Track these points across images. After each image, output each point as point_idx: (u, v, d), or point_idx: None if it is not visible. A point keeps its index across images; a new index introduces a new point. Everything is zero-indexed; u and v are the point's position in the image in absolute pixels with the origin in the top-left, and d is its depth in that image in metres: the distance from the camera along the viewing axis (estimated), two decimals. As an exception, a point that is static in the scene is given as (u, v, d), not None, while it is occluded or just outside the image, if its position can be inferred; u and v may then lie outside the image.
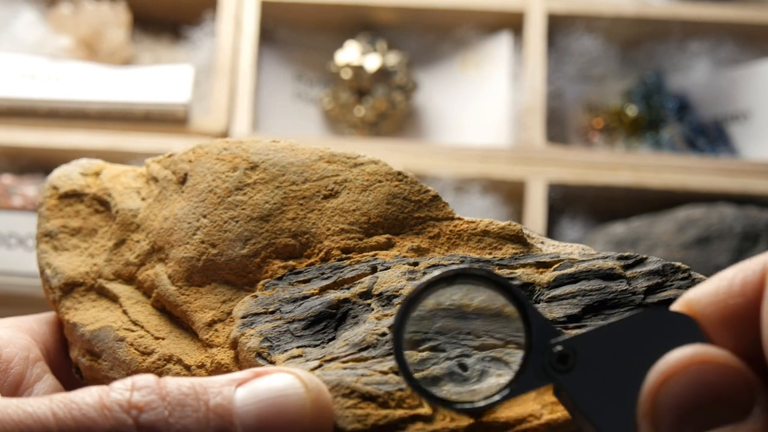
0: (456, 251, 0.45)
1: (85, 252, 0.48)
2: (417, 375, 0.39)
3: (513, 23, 1.08)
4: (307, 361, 0.41)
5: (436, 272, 0.37)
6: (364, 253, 0.45)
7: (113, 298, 0.47)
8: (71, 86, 0.94)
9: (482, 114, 1.05)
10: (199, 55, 1.02)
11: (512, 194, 1.01)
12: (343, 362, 0.40)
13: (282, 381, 0.37)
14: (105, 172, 0.50)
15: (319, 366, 0.40)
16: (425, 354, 0.40)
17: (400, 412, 0.38)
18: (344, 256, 0.45)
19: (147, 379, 0.36)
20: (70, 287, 0.47)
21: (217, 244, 0.45)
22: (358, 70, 1.05)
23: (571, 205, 1.02)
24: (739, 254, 0.94)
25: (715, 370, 0.31)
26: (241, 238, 0.45)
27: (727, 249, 0.95)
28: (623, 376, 0.34)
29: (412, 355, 0.40)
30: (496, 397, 0.36)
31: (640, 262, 0.43)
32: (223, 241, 0.45)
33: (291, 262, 0.45)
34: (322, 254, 0.45)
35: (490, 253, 0.44)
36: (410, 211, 0.46)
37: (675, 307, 0.34)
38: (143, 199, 0.49)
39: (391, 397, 0.38)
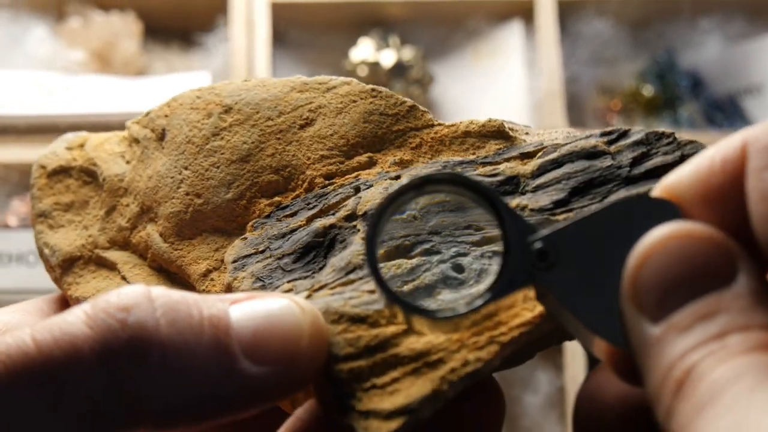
0: (440, 158, 0.44)
1: (80, 225, 0.48)
2: (407, 287, 0.38)
3: (523, 11, 1.08)
4: (297, 293, 0.40)
5: (404, 180, 0.36)
6: (347, 176, 0.44)
7: (111, 266, 0.47)
8: (90, 100, 0.93)
9: (500, 103, 1.05)
10: (213, 61, 1.01)
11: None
12: (331, 289, 0.40)
13: (278, 303, 0.36)
14: (89, 143, 0.50)
15: (308, 297, 0.39)
16: (416, 261, 0.39)
17: (391, 329, 0.37)
18: (327, 182, 0.44)
19: (134, 286, 0.34)
20: (69, 263, 0.47)
21: (201, 194, 0.45)
22: (374, 66, 1.05)
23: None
24: None
25: (694, 243, 0.30)
26: (225, 183, 0.45)
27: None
28: (606, 266, 0.33)
29: (401, 265, 0.39)
30: (478, 302, 0.34)
31: (624, 135, 0.42)
32: (208, 190, 0.45)
33: (277, 198, 0.44)
34: (305, 185, 0.44)
35: (473, 153, 0.44)
36: (389, 126, 0.45)
37: (655, 192, 0.34)
38: (128, 162, 0.48)
39: (381, 315, 0.37)
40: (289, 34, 1.07)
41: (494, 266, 0.38)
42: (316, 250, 0.42)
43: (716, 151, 0.32)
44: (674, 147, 0.41)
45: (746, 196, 0.30)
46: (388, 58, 1.05)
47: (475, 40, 1.10)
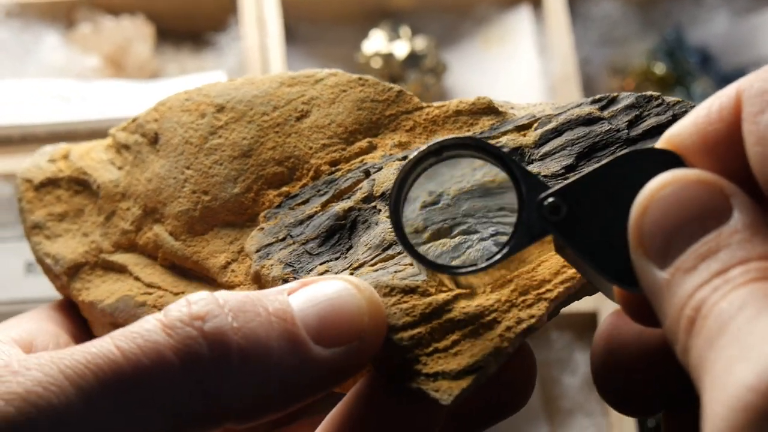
0: (436, 137, 0.45)
1: (78, 233, 0.49)
2: (455, 262, 0.40)
3: (531, -4, 1.08)
4: (336, 273, 0.42)
5: (422, 147, 0.38)
6: (352, 161, 0.45)
7: (120, 269, 0.47)
8: (107, 105, 0.93)
9: (515, 88, 1.05)
10: (227, 60, 1.01)
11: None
12: (372, 265, 0.41)
13: (334, 285, 0.38)
14: (73, 153, 0.51)
15: (351, 275, 0.41)
16: (458, 239, 0.41)
17: (442, 296, 0.39)
18: (333, 169, 0.45)
19: (200, 294, 0.36)
20: (74, 270, 0.48)
21: (208, 191, 0.46)
22: (388, 57, 1.05)
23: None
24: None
25: (688, 186, 0.32)
26: (230, 178, 0.46)
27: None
28: (615, 216, 0.35)
29: (446, 243, 0.41)
30: (497, 257, 0.36)
31: (613, 101, 0.44)
32: (214, 186, 0.46)
33: (284, 189, 0.45)
34: (311, 173, 0.45)
35: (468, 130, 0.45)
36: (381, 111, 0.46)
37: (658, 144, 0.35)
38: (120, 168, 0.49)
39: (429, 285, 0.39)
40: (299, 29, 1.07)
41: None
42: (340, 232, 0.43)
43: (713, 100, 0.34)
44: (665, 108, 0.43)
45: (743, 140, 0.32)
46: (401, 49, 1.05)
47: (484, 27, 1.10)
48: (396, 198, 0.38)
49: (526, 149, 0.43)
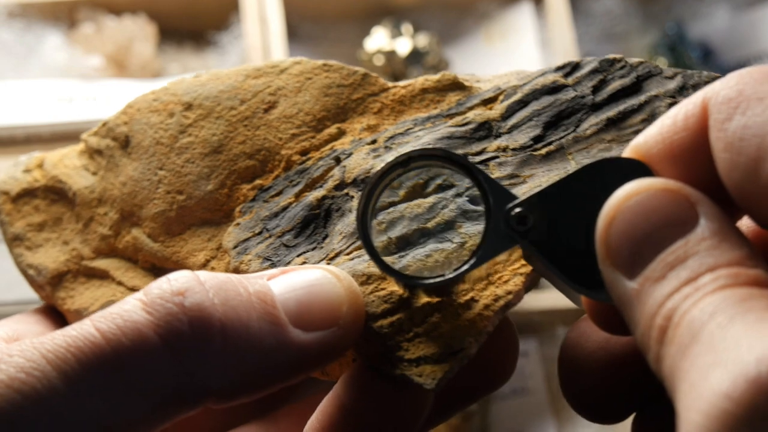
0: (404, 117, 0.45)
1: (58, 241, 0.49)
2: (429, 224, 0.40)
3: (532, -8, 1.08)
4: (313, 263, 0.42)
5: (389, 158, 0.38)
6: (322, 149, 0.45)
7: (102, 275, 0.48)
8: (110, 105, 0.93)
9: (517, 84, 1.05)
10: (229, 59, 1.01)
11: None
12: (348, 254, 0.41)
13: (313, 273, 0.38)
14: (47, 161, 0.51)
15: (328, 265, 0.41)
16: (432, 199, 0.41)
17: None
18: (304, 158, 0.45)
19: (181, 272, 0.36)
20: (57, 279, 0.48)
21: (182, 190, 0.46)
22: (391, 55, 1.05)
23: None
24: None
25: (654, 196, 0.32)
26: (203, 176, 0.46)
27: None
28: (582, 227, 0.35)
29: (420, 204, 0.41)
30: (464, 267, 0.36)
31: (577, 67, 0.44)
32: (187, 185, 0.46)
33: (258, 182, 0.46)
34: (283, 164, 0.46)
35: (435, 108, 0.45)
36: (348, 96, 0.46)
37: (625, 153, 0.35)
38: (94, 173, 0.49)
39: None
40: (301, 28, 1.07)
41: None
42: (315, 222, 0.43)
43: (678, 109, 0.34)
44: (628, 70, 0.43)
45: (711, 147, 0.32)
46: (404, 46, 1.05)
47: (486, 23, 1.10)
48: (363, 210, 0.38)
49: (494, 123, 0.43)
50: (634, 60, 0.43)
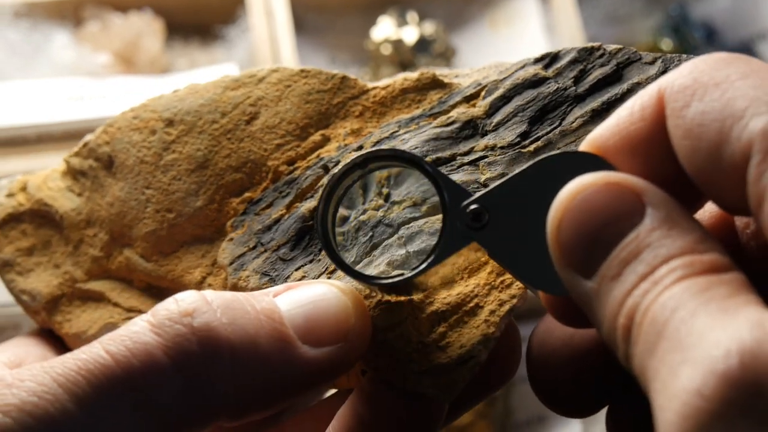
0: (387, 119, 0.45)
1: (49, 265, 0.48)
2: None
3: (535, -23, 1.08)
4: (313, 277, 0.42)
5: (343, 162, 0.38)
6: (308, 158, 0.45)
7: (98, 297, 0.47)
8: (120, 102, 0.93)
9: (525, 69, 1.05)
10: (237, 52, 1.00)
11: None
12: None
13: (318, 288, 0.38)
14: (30, 184, 0.50)
15: (328, 278, 0.41)
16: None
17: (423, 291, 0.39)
18: (291, 168, 0.45)
19: (187, 292, 0.36)
20: (52, 303, 0.47)
21: (172, 208, 0.46)
22: (398, 43, 1.04)
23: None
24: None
25: (598, 191, 0.31)
26: (191, 192, 0.45)
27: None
28: (537, 223, 0.34)
29: (390, 171, 0.41)
30: (422, 266, 0.36)
31: (556, 57, 0.43)
32: (176, 203, 0.45)
33: (246, 195, 0.45)
34: (271, 175, 0.45)
35: (417, 107, 0.45)
36: (329, 101, 0.46)
37: (582, 147, 0.35)
38: (79, 194, 0.49)
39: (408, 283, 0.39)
40: (308, 19, 1.07)
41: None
42: (309, 233, 0.43)
43: (634, 101, 0.33)
44: (608, 58, 0.42)
45: (670, 136, 0.32)
46: (410, 34, 1.05)
47: (491, 9, 1.10)
48: (323, 212, 0.38)
49: (479, 120, 0.43)
50: (612, 47, 0.42)
